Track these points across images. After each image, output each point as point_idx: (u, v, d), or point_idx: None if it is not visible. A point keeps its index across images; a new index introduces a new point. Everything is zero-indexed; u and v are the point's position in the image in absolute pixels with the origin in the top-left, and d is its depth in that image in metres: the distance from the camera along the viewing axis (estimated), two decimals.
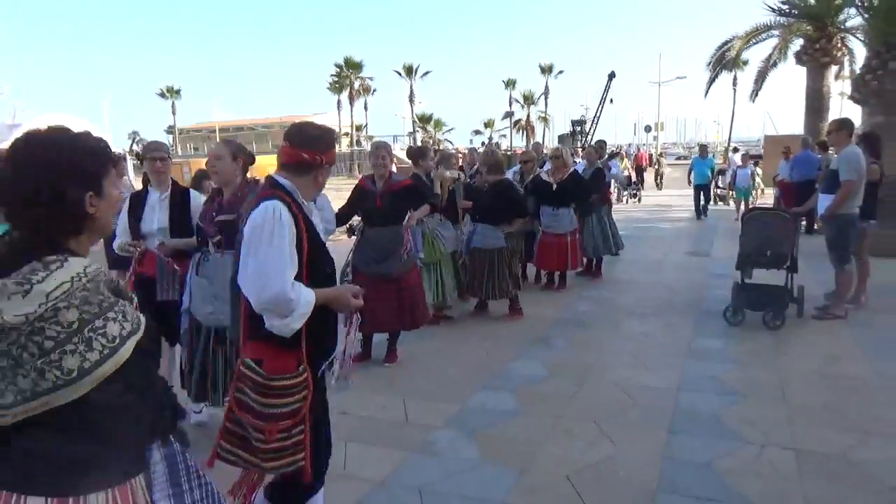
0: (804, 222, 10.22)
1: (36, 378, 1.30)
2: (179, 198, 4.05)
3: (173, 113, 70.42)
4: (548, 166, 8.05)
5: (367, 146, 46.52)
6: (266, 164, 9.73)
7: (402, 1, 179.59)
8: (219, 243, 3.54)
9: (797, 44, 18.86)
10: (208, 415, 4.15)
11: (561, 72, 67.92)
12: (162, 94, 69.27)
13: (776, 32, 19.08)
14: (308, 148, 2.34)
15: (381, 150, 5.00)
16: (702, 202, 15.18)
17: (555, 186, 7.44)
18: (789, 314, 6.07)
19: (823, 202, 6.13)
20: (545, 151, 11.45)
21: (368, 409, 4.34)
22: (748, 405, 4.25)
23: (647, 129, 48.74)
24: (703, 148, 16.99)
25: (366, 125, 63.41)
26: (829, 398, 4.34)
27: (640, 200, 20.00)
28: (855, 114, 19.45)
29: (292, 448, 2.25)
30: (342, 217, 5.05)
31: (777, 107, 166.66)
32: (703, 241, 11.69)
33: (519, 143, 63.16)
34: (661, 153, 34.48)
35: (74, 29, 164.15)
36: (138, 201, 4.05)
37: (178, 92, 69.62)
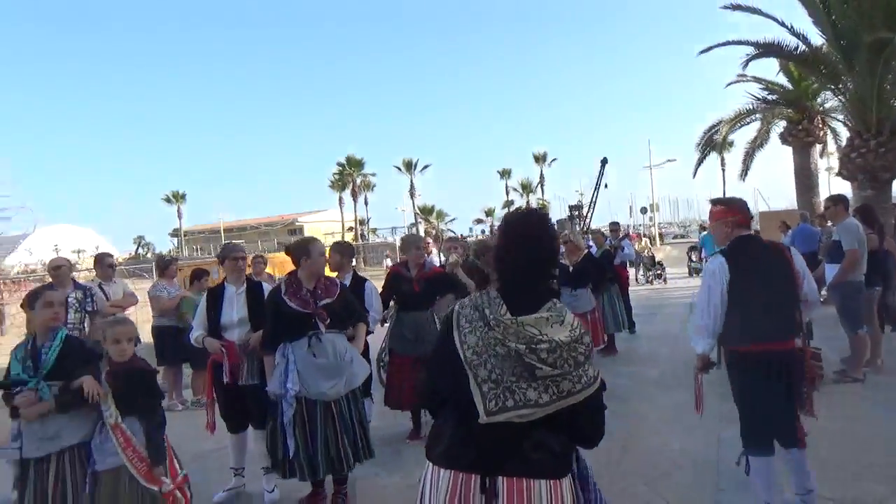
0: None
1: (573, 382, 1.87)
2: (255, 291, 4.51)
3: (179, 217, 72.22)
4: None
5: (371, 239, 47.73)
6: (284, 261, 10.26)
7: (395, 101, 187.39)
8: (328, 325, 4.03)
9: (781, 125, 20.00)
10: (278, 495, 4.45)
11: (554, 159, 70.39)
12: (168, 200, 71.29)
13: (759, 116, 20.21)
14: None
15: (420, 242, 5.51)
16: None
17: (571, 268, 7.91)
18: None
19: (830, 272, 6.59)
20: None
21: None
22: (780, 461, 4.53)
23: (643, 210, 50.06)
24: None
25: (368, 219, 65.02)
26: (856, 454, 4.63)
27: (665, 282, 19.53)
28: (843, 187, 20.30)
29: None
30: (384, 302, 5.49)
31: (765, 183, 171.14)
32: None
33: None
34: (660, 233, 35.01)
35: (79, 140, 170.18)
36: (215, 296, 4.49)
37: (183, 196, 71.68)
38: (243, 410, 4.49)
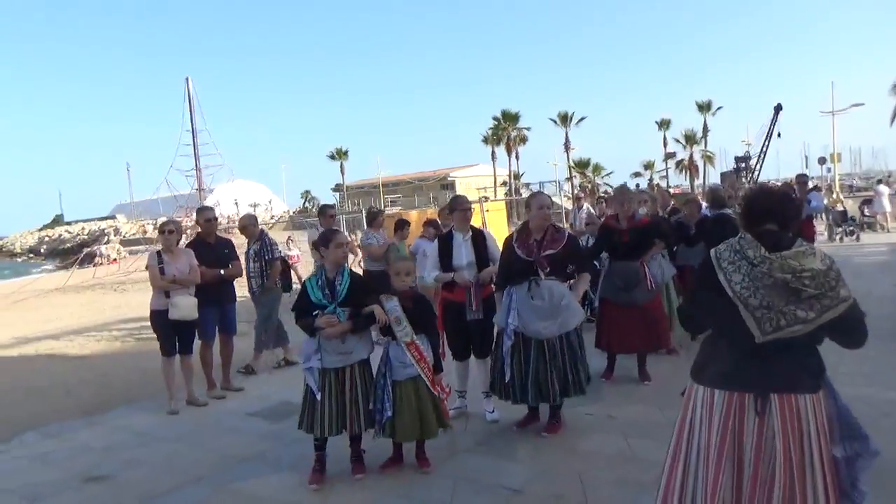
0: None
1: (831, 299, 2.30)
2: (479, 238, 5.14)
3: (342, 172, 76.71)
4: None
5: (525, 193, 47.84)
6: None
7: (548, 49, 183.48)
8: (548, 273, 4.55)
9: None
10: (498, 416, 5.12)
11: (720, 108, 65.83)
12: (332, 156, 75.83)
13: None
14: None
15: (625, 196, 5.84)
16: None
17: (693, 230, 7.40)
18: None
19: None
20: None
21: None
22: None
23: (822, 160, 45.75)
24: None
25: (522, 174, 65.17)
26: None
27: (858, 239, 17.90)
28: None
29: None
30: (595, 253, 5.94)
31: None
32: None
33: (682, 182, 61.75)
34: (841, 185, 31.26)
35: (254, 100, 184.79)
36: (447, 242, 5.18)
37: (346, 153, 75.90)
38: (468, 341, 5.19)
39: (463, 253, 5.10)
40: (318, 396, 4.06)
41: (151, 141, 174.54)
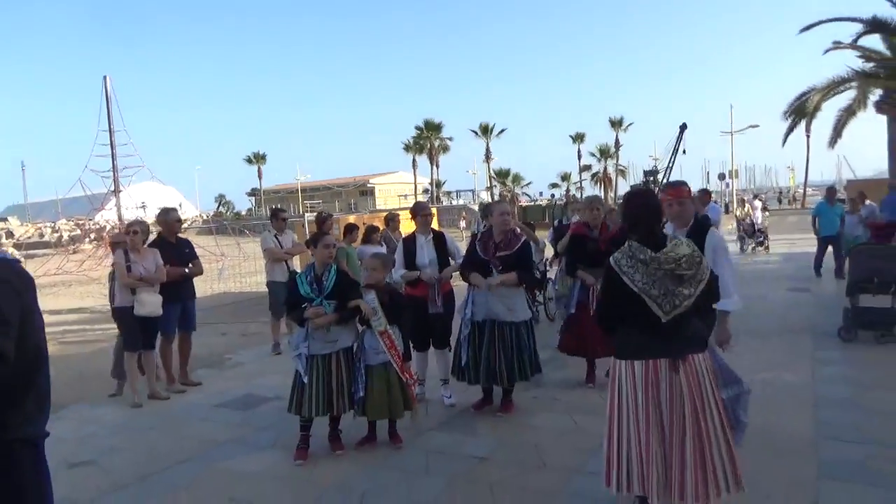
0: None
1: (701, 274, 3.03)
2: (440, 239, 5.71)
3: (259, 177, 75.28)
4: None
5: (445, 202, 48.97)
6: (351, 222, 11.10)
7: (467, 61, 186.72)
8: (500, 271, 5.14)
9: (877, 94, 19.82)
10: (455, 400, 5.69)
11: (631, 124, 69.44)
12: (249, 160, 74.32)
13: (854, 84, 20.07)
14: None
15: (597, 203, 6.28)
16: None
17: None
18: None
19: None
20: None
21: None
22: (874, 392, 5.46)
23: (721, 177, 49.29)
24: (832, 191, 13.19)
25: (444, 182, 66.27)
26: None
27: (768, 249, 18.16)
28: None
29: None
30: (571, 264, 6.27)
31: (852, 149, 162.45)
32: (801, 279, 12.64)
33: (598, 194, 64.48)
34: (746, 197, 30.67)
35: (165, 101, 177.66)
36: (412, 243, 5.71)
37: (263, 157, 74.57)
38: (428, 334, 5.74)
39: (425, 253, 5.65)
40: (306, 380, 4.50)
41: (48, 139, 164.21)
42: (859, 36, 13.19)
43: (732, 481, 3.05)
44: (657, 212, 3.28)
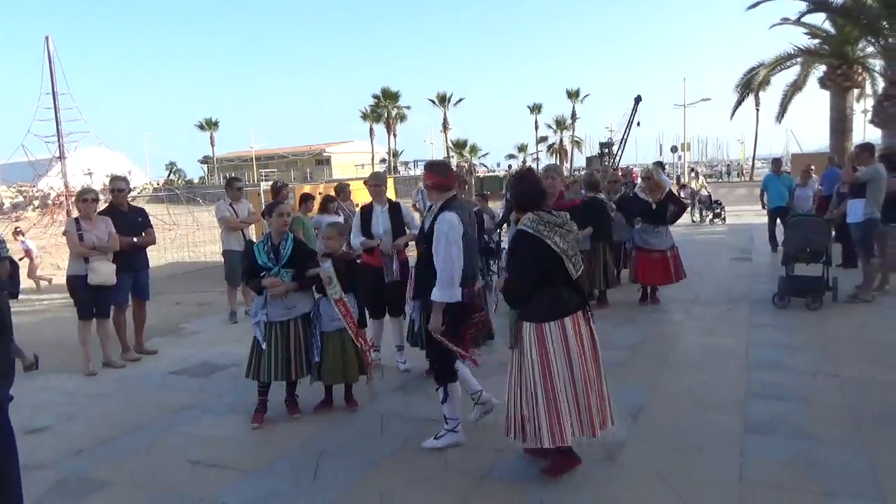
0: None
1: (579, 238, 3.46)
2: (395, 209, 5.82)
3: (212, 144, 73.44)
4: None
5: (403, 172, 48.81)
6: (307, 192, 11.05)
7: (424, 29, 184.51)
8: None
9: (821, 69, 20.51)
10: (410, 366, 5.88)
11: (587, 95, 69.96)
12: (201, 127, 72.35)
13: (800, 60, 20.71)
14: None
15: (552, 172, 6.44)
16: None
17: (654, 205, 8.15)
18: (826, 299, 7.64)
19: (852, 207, 7.74)
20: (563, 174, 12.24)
21: None
22: (802, 354, 5.86)
23: (674, 149, 50.30)
24: (778, 162, 13.44)
25: (401, 152, 65.94)
26: (861, 349, 5.94)
27: (724, 220, 18.57)
28: (876, 132, 20.84)
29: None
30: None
31: (799, 124, 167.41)
32: (744, 250, 13.20)
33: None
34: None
35: (117, 62, 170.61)
36: (368, 212, 5.81)
37: (216, 124, 72.67)
38: (383, 302, 5.88)
39: (380, 222, 5.76)
40: (264, 346, 4.61)
41: None
42: (803, 14, 13.63)
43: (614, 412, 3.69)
44: (543, 190, 3.76)
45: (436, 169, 4.23)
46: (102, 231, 6.23)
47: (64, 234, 6.33)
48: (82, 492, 3.85)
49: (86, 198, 6.30)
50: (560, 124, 69.99)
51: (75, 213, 6.38)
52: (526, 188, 3.66)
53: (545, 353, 3.47)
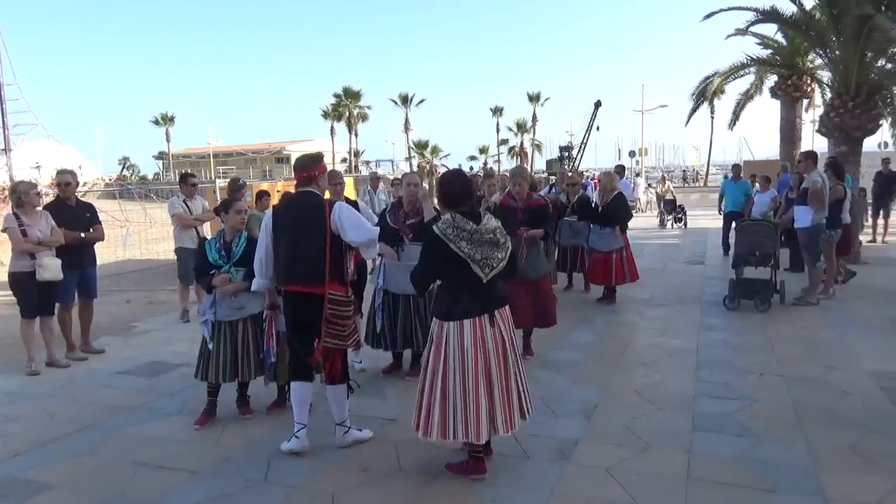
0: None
1: (507, 242, 3.54)
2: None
3: (167, 140, 71.78)
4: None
5: (364, 171, 48.42)
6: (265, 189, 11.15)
7: (390, 30, 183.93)
8: (411, 238, 5.26)
9: (772, 79, 21.11)
10: (365, 365, 5.83)
11: (548, 99, 70.74)
12: (156, 122, 70.68)
13: (753, 69, 21.24)
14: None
15: (519, 179, 6.31)
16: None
17: (600, 209, 8.41)
18: (774, 302, 7.86)
19: (799, 213, 7.99)
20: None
21: None
22: (749, 355, 6.02)
23: (632, 153, 51.17)
24: (737, 169, 13.69)
25: (363, 151, 65.50)
26: (805, 350, 6.12)
27: (686, 226, 18.80)
28: (823, 142, 21.58)
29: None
30: None
31: (752, 132, 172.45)
32: (698, 253, 13.51)
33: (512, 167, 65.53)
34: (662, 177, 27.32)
35: (69, 57, 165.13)
36: None
37: (172, 119, 71.06)
38: None
39: None
40: (211, 346, 4.50)
41: None
42: (751, 24, 13.98)
43: (529, 407, 3.77)
44: (469, 191, 3.72)
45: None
46: (44, 226, 6.01)
47: (4, 230, 6.08)
48: (17, 496, 3.69)
49: (34, 192, 6.08)
50: (521, 127, 70.60)
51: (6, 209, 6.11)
52: (446, 188, 3.70)
53: (440, 350, 3.59)
